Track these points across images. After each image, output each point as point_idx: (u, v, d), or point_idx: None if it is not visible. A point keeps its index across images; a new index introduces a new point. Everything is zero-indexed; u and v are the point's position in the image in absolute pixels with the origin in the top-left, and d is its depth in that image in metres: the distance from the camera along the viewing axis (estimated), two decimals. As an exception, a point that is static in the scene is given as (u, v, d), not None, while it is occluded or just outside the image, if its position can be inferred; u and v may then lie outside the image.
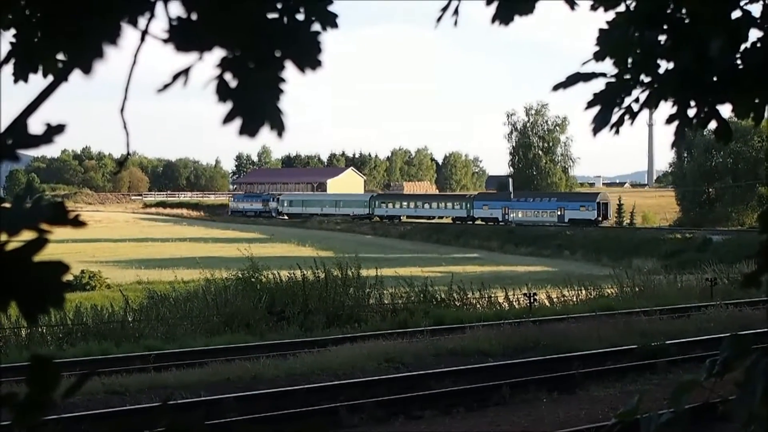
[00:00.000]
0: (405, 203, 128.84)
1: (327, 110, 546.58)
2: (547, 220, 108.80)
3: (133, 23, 1.79)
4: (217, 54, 1.84)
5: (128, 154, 2.08)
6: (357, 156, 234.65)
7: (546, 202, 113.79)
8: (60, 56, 2.06)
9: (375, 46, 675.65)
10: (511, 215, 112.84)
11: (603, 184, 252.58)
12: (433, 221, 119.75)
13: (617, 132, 3.04)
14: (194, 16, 1.81)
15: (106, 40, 1.74)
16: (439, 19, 3.07)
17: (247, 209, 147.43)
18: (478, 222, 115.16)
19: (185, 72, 1.82)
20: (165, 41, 1.80)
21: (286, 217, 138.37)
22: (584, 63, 3.04)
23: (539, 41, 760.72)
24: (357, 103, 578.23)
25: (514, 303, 33.52)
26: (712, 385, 2.78)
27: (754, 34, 2.98)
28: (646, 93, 3.01)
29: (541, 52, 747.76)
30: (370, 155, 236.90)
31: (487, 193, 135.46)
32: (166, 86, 1.83)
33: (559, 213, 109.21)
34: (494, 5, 2.99)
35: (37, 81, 2.31)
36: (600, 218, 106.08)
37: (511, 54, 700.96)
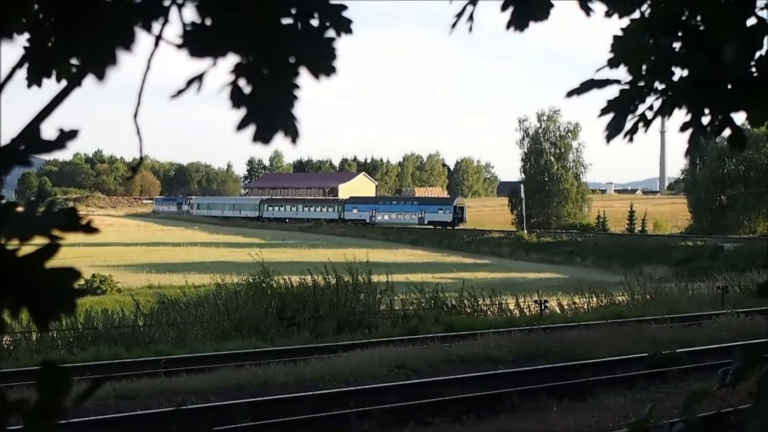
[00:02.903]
0: (288, 206, 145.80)
1: (340, 115, 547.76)
2: (408, 221, 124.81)
3: (147, 28, 1.78)
4: (231, 60, 1.83)
5: (141, 158, 2.08)
6: (369, 161, 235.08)
7: (409, 205, 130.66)
8: (74, 61, 2.05)
9: (387, 50, 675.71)
10: (377, 217, 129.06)
11: (615, 190, 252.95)
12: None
13: (631, 140, 3.02)
14: (208, 22, 1.80)
15: (120, 45, 1.74)
16: (453, 25, 3.05)
17: (165, 211, 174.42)
18: (349, 223, 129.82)
19: (199, 78, 1.81)
20: (179, 47, 1.79)
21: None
22: (598, 70, 3.03)
23: (552, 47, 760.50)
24: (370, 108, 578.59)
25: (525, 310, 33.52)
26: (724, 394, 2.77)
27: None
28: (660, 100, 3.00)
29: (554, 58, 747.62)
30: (381, 160, 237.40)
31: (357, 197, 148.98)
32: (180, 92, 1.82)
33: (419, 215, 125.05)
34: (509, 11, 2.98)
35: (51, 85, 2.31)
36: (456, 220, 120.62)
37: (525, 60, 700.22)
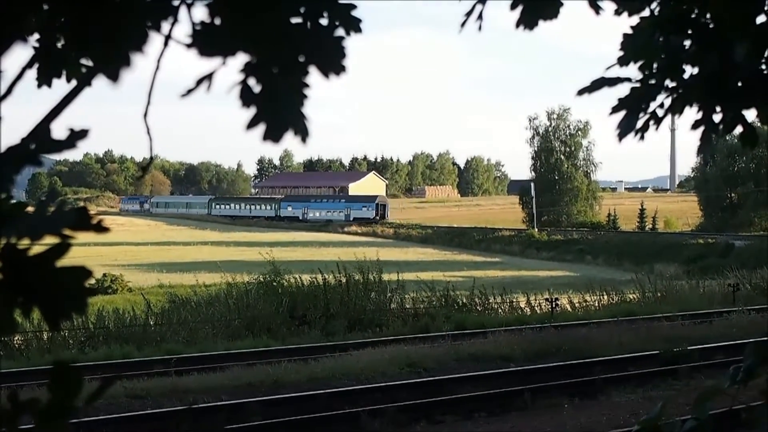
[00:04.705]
0: (231, 205, 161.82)
1: (350, 114, 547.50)
2: (337, 217, 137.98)
3: (157, 28, 1.78)
4: (241, 59, 1.83)
5: (151, 158, 2.08)
6: (379, 160, 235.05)
7: (337, 203, 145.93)
8: (84, 61, 2.05)
9: (395, 50, 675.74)
10: (309, 214, 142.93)
11: (625, 188, 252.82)
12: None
13: (642, 138, 3.01)
14: (218, 21, 1.80)
15: (133, 47, 1.74)
16: (463, 24, 3.05)
17: (129, 209, 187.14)
18: (285, 220, 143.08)
19: (209, 77, 1.81)
20: (188, 46, 1.79)
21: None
22: (608, 68, 3.02)
23: (562, 45, 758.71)
24: (380, 107, 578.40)
25: (536, 308, 33.47)
26: (735, 392, 2.76)
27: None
28: (671, 98, 2.99)
29: (564, 56, 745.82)
30: (392, 159, 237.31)
31: (292, 196, 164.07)
32: (189, 91, 1.82)
33: (346, 212, 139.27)
34: (518, 10, 2.98)
35: (61, 85, 2.31)
36: (378, 217, 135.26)
37: (536, 58, 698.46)
